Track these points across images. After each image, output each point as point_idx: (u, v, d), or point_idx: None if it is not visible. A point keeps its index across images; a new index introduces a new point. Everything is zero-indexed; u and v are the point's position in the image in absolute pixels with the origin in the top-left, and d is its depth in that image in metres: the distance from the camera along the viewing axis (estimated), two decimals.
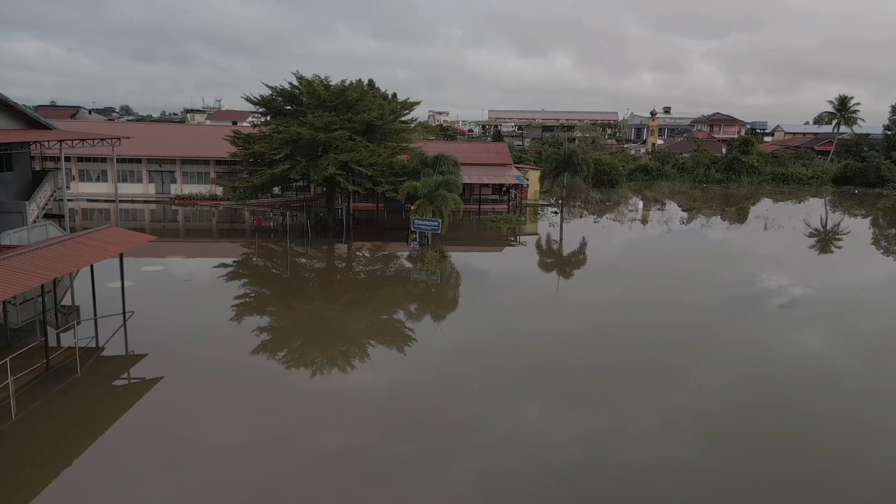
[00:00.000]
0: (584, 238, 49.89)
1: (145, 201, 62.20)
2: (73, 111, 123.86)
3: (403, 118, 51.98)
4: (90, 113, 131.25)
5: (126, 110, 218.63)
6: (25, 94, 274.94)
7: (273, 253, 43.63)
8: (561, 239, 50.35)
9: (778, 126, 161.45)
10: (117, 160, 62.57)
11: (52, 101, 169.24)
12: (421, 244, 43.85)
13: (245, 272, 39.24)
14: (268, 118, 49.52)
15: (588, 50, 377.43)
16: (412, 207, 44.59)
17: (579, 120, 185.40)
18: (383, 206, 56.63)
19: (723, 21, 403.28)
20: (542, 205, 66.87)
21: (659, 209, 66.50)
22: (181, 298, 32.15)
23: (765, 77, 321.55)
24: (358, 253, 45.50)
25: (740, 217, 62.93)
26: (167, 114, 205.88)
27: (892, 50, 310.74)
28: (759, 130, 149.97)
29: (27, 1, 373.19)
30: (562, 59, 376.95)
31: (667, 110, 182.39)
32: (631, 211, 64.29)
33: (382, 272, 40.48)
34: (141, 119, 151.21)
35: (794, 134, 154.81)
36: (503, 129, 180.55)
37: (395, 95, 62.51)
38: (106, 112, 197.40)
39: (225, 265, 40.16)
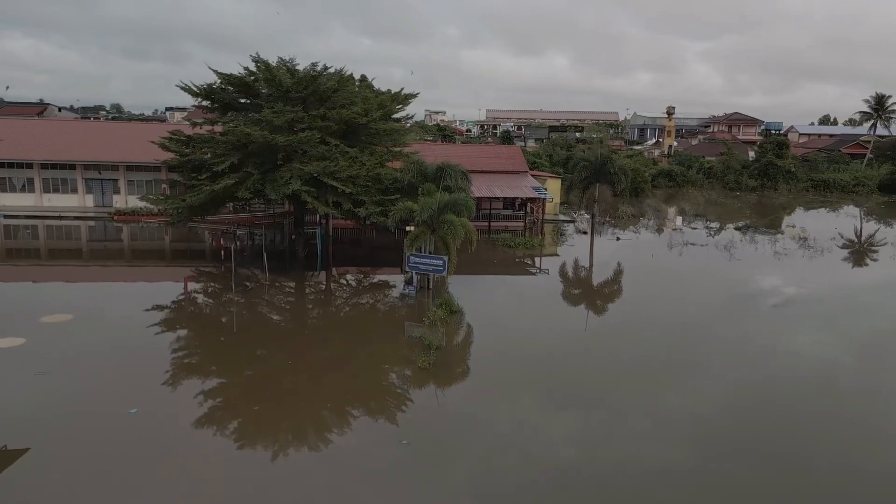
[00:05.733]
0: (629, 270, 36.56)
1: (76, 217, 48.40)
2: (40, 108, 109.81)
3: (396, 115, 38.50)
4: (59, 110, 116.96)
5: (117, 109, 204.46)
6: (16, 93, 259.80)
7: (217, 292, 30.54)
8: (616, 279, 36.89)
9: (791, 127, 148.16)
10: (46, 166, 49.13)
11: (41, 100, 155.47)
12: (418, 288, 30.49)
13: (175, 322, 26.68)
14: (216, 115, 35.89)
15: (583, 49, 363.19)
16: (406, 238, 31.22)
17: (580, 120, 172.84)
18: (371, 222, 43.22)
19: (717, 21, 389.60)
20: (563, 220, 53.43)
21: (709, 228, 52.98)
22: (87, 367, 20.11)
23: (760, 77, 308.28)
24: (334, 288, 32.43)
25: (825, 237, 48.92)
26: (158, 112, 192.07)
27: (886, 50, 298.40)
28: (773, 131, 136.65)
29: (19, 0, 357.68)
30: (557, 59, 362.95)
31: (668, 111, 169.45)
32: (675, 230, 50.76)
33: (362, 324, 27.34)
34: (133, 118, 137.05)
35: (809, 135, 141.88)
36: (502, 128, 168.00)
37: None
38: (95, 110, 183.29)
39: (160, 306, 27.84)
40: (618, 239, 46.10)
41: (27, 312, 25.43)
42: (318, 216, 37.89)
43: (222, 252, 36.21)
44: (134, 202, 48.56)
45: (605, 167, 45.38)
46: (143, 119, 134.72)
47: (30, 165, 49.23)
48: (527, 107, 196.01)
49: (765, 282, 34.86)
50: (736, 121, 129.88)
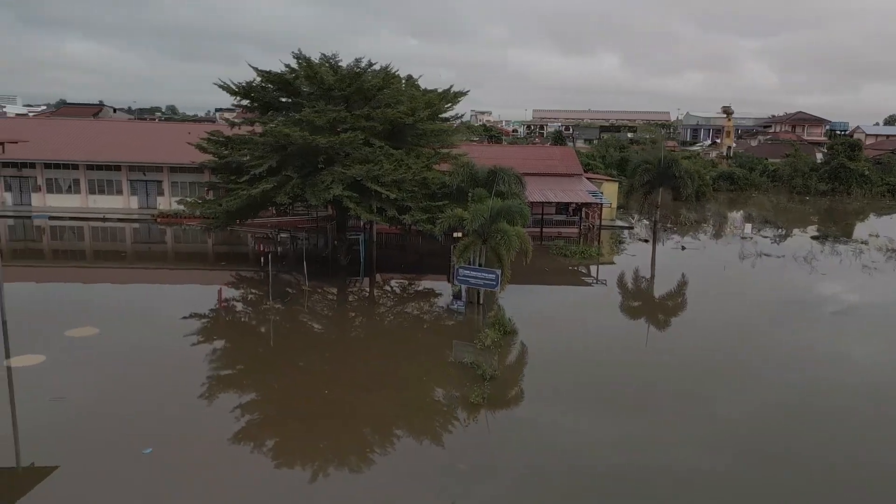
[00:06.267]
0: (698, 284, 32.99)
1: (119, 219, 47.45)
2: (96, 109, 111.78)
3: (444, 115, 35.85)
4: (114, 111, 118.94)
5: (172, 110, 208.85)
6: (77, 95, 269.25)
7: (256, 300, 29.03)
8: (684, 294, 33.41)
9: (857, 127, 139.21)
10: (92, 167, 48.46)
11: (100, 101, 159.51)
12: (467, 303, 27.76)
13: (210, 332, 25.02)
14: (256, 114, 33.93)
15: (633, 48, 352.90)
16: (455, 248, 28.55)
17: (630, 120, 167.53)
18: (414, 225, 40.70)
19: (772, 18, 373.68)
20: (620, 227, 49.84)
21: (781, 236, 48.63)
22: (111, 388, 18.42)
23: (817, 76, 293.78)
24: (377, 296, 30.36)
25: None
26: (209, 113, 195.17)
27: None
28: (838, 132, 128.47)
29: (79, 3, 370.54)
30: (607, 58, 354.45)
31: (725, 110, 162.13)
32: (745, 238, 46.53)
33: (406, 339, 24.94)
34: (186, 119, 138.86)
35: (877, 136, 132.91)
36: (549, 128, 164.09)
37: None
38: (150, 111, 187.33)
39: (197, 314, 26.24)
40: (683, 248, 42.34)
41: (53, 323, 23.85)
42: (361, 221, 35.69)
43: (262, 259, 34.35)
44: (177, 204, 47.37)
45: (669, 170, 41.82)
46: (194, 120, 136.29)
47: (76, 167, 48.63)
48: (574, 107, 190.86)
49: (862, 301, 30.79)
50: (800, 120, 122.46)
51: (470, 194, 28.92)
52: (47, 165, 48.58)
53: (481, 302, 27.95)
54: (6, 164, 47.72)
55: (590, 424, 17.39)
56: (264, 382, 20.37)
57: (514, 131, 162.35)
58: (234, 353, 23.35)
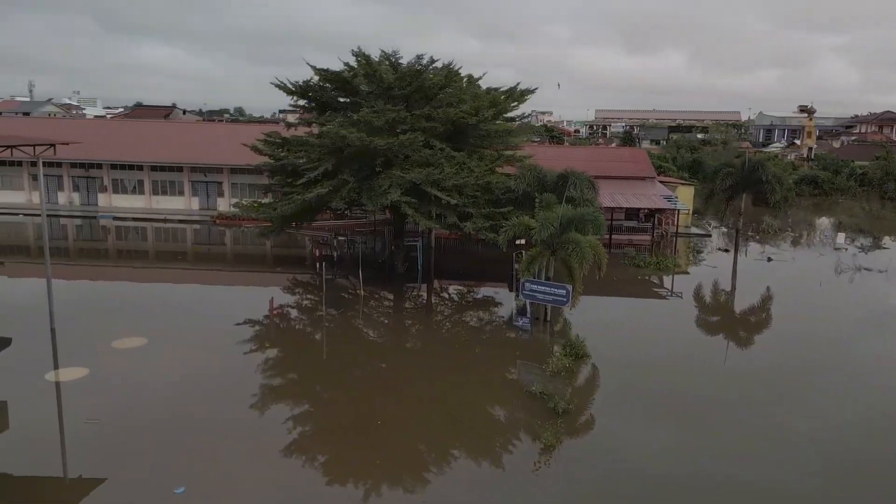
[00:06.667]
0: (790, 302, 29.39)
1: (180, 220, 47.20)
2: (167, 111, 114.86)
3: (509, 114, 33.42)
4: (184, 113, 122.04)
5: (240, 112, 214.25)
6: (152, 97, 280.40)
7: (311, 307, 27.61)
8: (768, 308, 29.91)
9: None
10: (155, 168, 48.54)
11: (174, 104, 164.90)
12: (533, 319, 25.29)
13: (263, 340, 23.98)
14: (313, 115, 32.47)
15: (701, 46, 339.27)
16: (520, 260, 26.14)
17: (698, 120, 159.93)
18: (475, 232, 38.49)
19: (852, 13, 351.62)
20: (696, 234, 46.08)
21: (880, 247, 43.77)
22: (151, 406, 17.14)
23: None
24: (435, 304, 28.71)
25: None
26: (276, 114, 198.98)
27: None
28: None
29: (157, 10, 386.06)
30: (673, 56, 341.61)
31: (804, 109, 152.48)
32: (838, 249, 41.90)
33: (466, 354, 22.78)
34: (252, 120, 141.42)
35: None
36: (612, 128, 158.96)
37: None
38: (219, 113, 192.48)
39: (252, 322, 24.93)
40: (769, 259, 38.44)
41: (103, 331, 22.85)
42: (418, 226, 33.78)
43: (317, 264, 32.95)
44: (233, 207, 46.81)
45: (755, 174, 38.05)
46: (259, 121, 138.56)
47: (140, 168, 48.81)
48: (638, 106, 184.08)
49: None
50: (888, 120, 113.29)
51: (537, 200, 26.45)
52: (113, 166, 48.95)
53: (548, 318, 25.45)
54: (74, 165, 48.35)
55: (676, 467, 14.69)
56: (314, 396, 19.39)
57: (576, 132, 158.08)
58: (286, 363, 22.25)
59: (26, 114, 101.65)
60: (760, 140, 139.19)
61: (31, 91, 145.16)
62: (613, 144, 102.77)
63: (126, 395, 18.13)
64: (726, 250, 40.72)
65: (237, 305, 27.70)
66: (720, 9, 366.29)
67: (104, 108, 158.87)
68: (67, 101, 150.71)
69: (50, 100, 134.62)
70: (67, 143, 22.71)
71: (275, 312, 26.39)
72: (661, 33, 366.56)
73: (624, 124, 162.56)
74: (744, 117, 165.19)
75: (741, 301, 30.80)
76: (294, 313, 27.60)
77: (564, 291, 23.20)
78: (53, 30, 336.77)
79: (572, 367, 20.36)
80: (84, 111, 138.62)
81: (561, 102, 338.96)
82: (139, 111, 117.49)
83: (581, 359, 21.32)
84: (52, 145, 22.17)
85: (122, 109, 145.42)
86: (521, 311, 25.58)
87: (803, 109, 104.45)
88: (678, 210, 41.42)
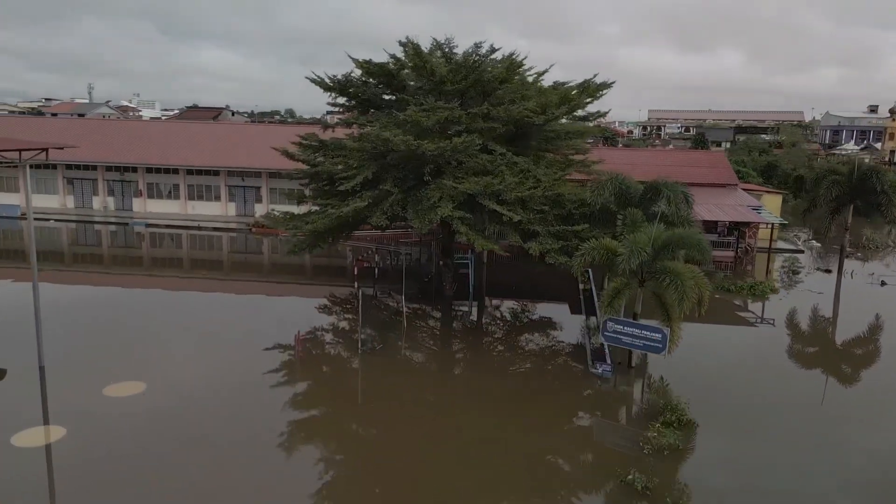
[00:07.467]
0: None
1: (214, 227, 43.80)
2: (216, 112, 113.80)
3: (580, 113, 28.32)
4: (233, 115, 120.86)
5: (290, 113, 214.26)
6: (205, 99, 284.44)
7: (346, 332, 23.47)
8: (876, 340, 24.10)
9: None
10: (191, 172, 45.40)
11: (227, 106, 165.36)
12: (615, 366, 20.28)
13: (287, 376, 19.86)
14: (354, 114, 28.18)
15: (758, 44, 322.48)
16: (602, 294, 21.21)
17: (758, 120, 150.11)
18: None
19: None
20: (786, 250, 39.89)
21: None
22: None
23: None
24: (486, 327, 24.40)
25: None
26: (324, 116, 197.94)
27: None
28: None
29: (209, 14, 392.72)
30: (728, 55, 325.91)
31: (873, 109, 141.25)
32: None
33: (525, 398, 17.99)
34: (301, 122, 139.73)
35: None
36: (666, 129, 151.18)
37: None
38: (270, 115, 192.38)
39: (275, 363, 20.66)
40: (883, 283, 32.27)
41: (95, 372, 18.88)
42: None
43: (356, 283, 28.75)
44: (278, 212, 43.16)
45: (867, 183, 31.98)
46: (299, 122, 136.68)
47: (175, 171, 45.78)
48: (692, 106, 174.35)
49: None
50: None
51: (620, 217, 21.48)
52: (148, 170, 46.07)
53: (632, 364, 20.45)
54: (109, 169, 45.68)
55: None
56: (344, 446, 15.61)
57: (629, 132, 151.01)
58: (313, 400, 18.52)
59: (81, 115, 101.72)
60: (827, 141, 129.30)
61: (90, 93, 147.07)
62: (670, 147, 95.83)
63: (98, 467, 14.11)
64: (827, 270, 34.65)
65: (271, 324, 23.81)
66: (775, 6, 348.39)
67: (161, 109, 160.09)
68: (125, 104, 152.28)
69: (107, 102, 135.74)
70: (62, 147, 19.01)
71: (300, 354, 21.84)
72: (713, 31, 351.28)
73: (679, 125, 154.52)
74: (807, 117, 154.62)
75: (845, 330, 25.11)
76: (328, 337, 23.50)
77: (660, 336, 18.19)
78: (115, 33, 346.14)
79: (677, 444, 15.32)
80: (140, 113, 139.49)
81: (612, 102, 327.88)
82: (189, 113, 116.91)
83: (685, 426, 16.28)
84: (45, 150, 18.49)
85: (176, 111, 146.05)
86: (599, 357, 20.63)
87: (892, 111, 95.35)
88: (772, 224, 35.47)
